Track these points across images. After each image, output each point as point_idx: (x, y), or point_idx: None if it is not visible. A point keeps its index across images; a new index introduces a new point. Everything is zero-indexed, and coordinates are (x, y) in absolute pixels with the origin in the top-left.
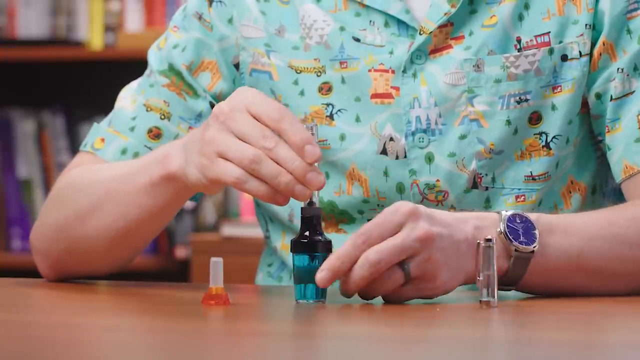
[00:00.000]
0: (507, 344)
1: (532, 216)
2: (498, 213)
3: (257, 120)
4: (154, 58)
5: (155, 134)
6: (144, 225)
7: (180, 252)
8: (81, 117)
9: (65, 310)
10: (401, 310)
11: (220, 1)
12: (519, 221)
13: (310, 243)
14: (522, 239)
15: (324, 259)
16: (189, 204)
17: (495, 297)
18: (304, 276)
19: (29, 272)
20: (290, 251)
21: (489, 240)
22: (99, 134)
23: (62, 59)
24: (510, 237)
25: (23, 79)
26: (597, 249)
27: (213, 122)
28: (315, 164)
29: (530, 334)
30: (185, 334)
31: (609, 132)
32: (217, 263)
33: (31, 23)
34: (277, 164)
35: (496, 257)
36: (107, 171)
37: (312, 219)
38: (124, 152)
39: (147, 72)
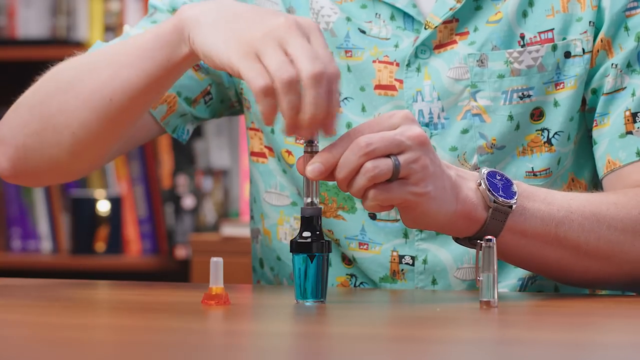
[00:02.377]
0: (507, 344)
1: (513, 179)
2: (476, 170)
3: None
4: (159, 1)
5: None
6: (129, 96)
7: (180, 252)
8: None
9: (65, 310)
10: (401, 310)
11: None
12: (498, 178)
13: (310, 243)
14: (501, 193)
15: (324, 259)
16: (189, 203)
17: (496, 297)
18: (303, 276)
19: (29, 272)
20: (290, 251)
21: (489, 240)
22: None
23: (62, 59)
24: (490, 190)
25: (23, 79)
26: (576, 223)
27: (275, 23)
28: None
29: (530, 334)
30: (185, 334)
31: (596, 126)
32: (217, 263)
33: (31, 23)
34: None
35: (472, 202)
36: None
37: (311, 219)
38: None
39: (148, 14)
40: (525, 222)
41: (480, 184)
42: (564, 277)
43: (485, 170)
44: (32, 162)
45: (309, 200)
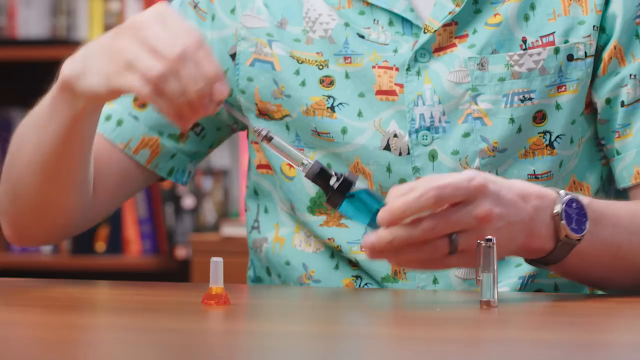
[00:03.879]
0: (507, 344)
1: (585, 200)
2: (556, 193)
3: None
4: None
5: (141, 103)
6: (60, 154)
7: (180, 252)
8: None
9: (65, 310)
10: (401, 310)
11: None
12: (574, 206)
13: (340, 188)
14: (574, 225)
15: (356, 189)
16: (189, 203)
17: (496, 297)
18: (362, 214)
19: (29, 272)
20: (335, 208)
21: (489, 240)
22: None
23: (62, 59)
24: (565, 222)
25: (23, 79)
26: (635, 244)
27: (126, 31)
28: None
29: (530, 334)
30: (185, 334)
31: (619, 137)
32: (217, 263)
33: (31, 23)
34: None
35: (543, 236)
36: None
37: (318, 174)
38: (108, 118)
39: None
40: (589, 248)
41: (557, 214)
42: (610, 289)
43: (565, 198)
44: (24, 228)
45: (301, 163)
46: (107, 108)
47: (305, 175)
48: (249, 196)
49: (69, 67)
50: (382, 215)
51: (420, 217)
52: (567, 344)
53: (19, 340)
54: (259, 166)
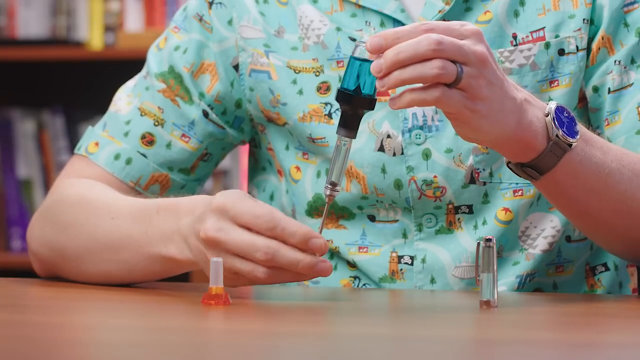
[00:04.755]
0: (507, 344)
1: (577, 120)
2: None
3: (248, 228)
4: (154, 59)
5: (149, 140)
6: (145, 278)
7: None
8: (81, 117)
9: (65, 310)
10: (401, 310)
11: (220, 3)
12: (565, 114)
13: (361, 101)
14: (565, 129)
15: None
16: None
17: (496, 297)
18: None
19: (29, 272)
20: (374, 106)
21: (489, 240)
22: (94, 138)
23: (62, 59)
24: (556, 123)
25: (23, 79)
26: (626, 177)
27: (208, 246)
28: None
29: (530, 334)
30: (185, 334)
31: (608, 125)
32: (217, 263)
33: (31, 23)
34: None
35: (534, 130)
36: (107, 213)
37: (348, 126)
38: (117, 157)
39: (143, 72)
40: (580, 164)
41: (547, 115)
42: (600, 231)
43: (554, 104)
44: (64, 276)
45: (347, 150)
46: (116, 147)
47: (356, 134)
48: (263, 201)
49: (183, 255)
50: (372, 39)
51: (428, 34)
52: (567, 344)
53: (20, 340)
54: (279, 171)
